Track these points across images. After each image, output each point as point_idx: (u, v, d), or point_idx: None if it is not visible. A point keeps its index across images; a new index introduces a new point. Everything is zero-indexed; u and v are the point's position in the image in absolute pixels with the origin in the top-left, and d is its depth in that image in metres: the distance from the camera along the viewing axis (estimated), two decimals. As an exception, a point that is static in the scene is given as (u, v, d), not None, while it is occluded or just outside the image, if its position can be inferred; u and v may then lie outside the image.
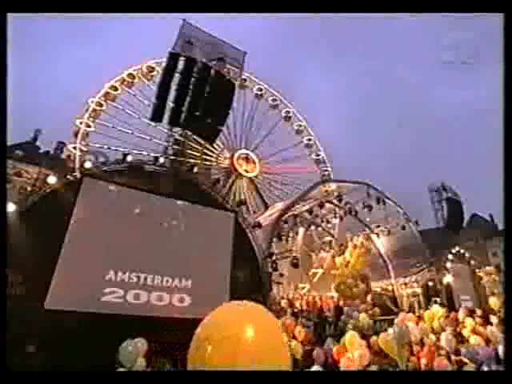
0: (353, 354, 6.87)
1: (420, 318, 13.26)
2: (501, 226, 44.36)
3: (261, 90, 29.94)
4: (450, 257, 24.02)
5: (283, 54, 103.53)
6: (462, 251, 25.40)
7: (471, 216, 45.33)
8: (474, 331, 10.99)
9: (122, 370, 5.90)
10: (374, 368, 6.61)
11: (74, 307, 10.25)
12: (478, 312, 14.33)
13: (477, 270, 25.95)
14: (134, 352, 5.91)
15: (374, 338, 10.13)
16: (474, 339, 9.17)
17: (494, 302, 14.05)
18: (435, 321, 12.50)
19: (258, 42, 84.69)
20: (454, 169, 73.46)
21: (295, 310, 17.81)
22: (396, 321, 10.94)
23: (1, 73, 3.57)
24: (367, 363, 6.86)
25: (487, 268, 28.31)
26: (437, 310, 13.39)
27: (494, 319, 12.42)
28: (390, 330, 8.62)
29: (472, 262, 25.87)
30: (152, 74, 25.13)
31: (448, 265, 23.20)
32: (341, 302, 19.51)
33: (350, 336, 7.74)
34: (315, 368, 6.69)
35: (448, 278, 22.26)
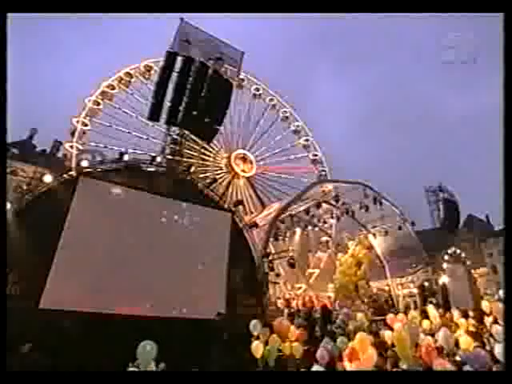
0: (363, 357, 6.82)
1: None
2: (497, 227, 44.59)
3: (258, 89, 29.95)
4: (446, 257, 24.11)
5: (292, 59, 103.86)
6: (458, 252, 25.52)
7: (467, 217, 45.48)
8: (468, 332, 11.01)
9: (136, 369, 5.82)
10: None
11: (69, 307, 10.20)
12: (472, 313, 14.35)
13: (472, 271, 26.08)
14: (153, 352, 5.81)
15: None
16: (466, 340, 9.18)
17: (486, 305, 14.06)
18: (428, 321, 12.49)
19: (267, 46, 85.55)
20: (451, 170, 73.87)
21: (292, 310, 17.79)
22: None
23: (1, 73, 3.53)
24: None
25: (482, 269, 28.50)
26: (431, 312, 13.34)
27: (487, 321, 12.43)
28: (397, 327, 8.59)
29: (468, 263, 25.99)
30: (150, 72, 25.06)
31: (444, 265, 23.28)
32: (337, 302, 19.50)
33: (361, 338, 7.54)
34: (315, 368, 6.66)
35: (444, 279, 22.34)
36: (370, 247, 22.38)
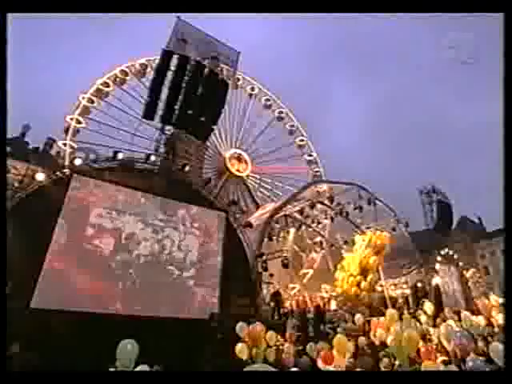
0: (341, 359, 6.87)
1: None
2: (489, 229, 45.05)
3: (254, 89, 29.91)
4: (439, 258, 24.25)
5: (305, 65, 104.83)
6: (450, 253, 25.68)
7: (460, 218, 45.96)
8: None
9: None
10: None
11: (61, 307, 10.07)
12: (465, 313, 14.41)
13: (465, 272, 26.27)
14: (134, 351, 5.65)
15: (361, 338, 10.17)
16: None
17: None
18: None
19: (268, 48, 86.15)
20: (445, 172, 74.61)
21: (285, 311, 17.74)
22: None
23: (1, 72, 3.47)
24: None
25: (475, 270, 28.73)
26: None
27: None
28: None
29: (460, 264, 26.17)
30: (145, 71, 24.88)
31: (437, 266, 23.41)
32: (333, 302, 19.46)
33: (339, 340, 7.57)
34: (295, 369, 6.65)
35: (436, 279, 22.46)
36: (382, 249, 19.69)
